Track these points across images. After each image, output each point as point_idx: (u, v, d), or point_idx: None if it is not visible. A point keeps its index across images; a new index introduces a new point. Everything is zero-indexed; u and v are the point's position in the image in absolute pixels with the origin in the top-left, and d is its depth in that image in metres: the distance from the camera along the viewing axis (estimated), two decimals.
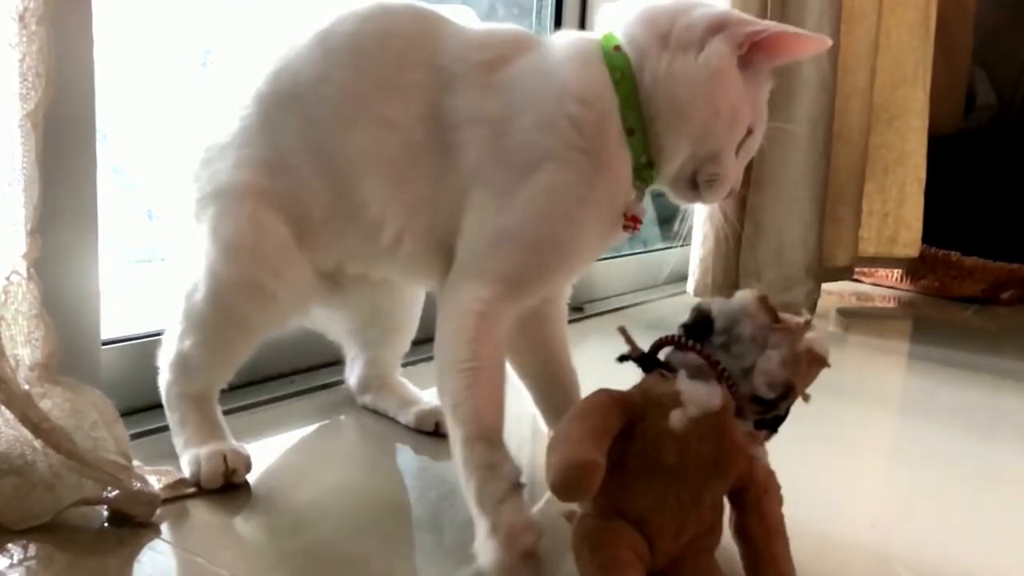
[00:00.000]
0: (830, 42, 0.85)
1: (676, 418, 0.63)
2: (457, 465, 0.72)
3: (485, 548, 0.68)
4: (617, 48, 0.79)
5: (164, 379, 0.87)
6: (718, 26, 0.77)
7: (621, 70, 0.78)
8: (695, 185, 0.81)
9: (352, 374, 1.06)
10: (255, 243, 0.81)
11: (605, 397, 0.67)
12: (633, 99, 0.78)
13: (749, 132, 0.81)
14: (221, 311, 0.83)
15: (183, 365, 0.85)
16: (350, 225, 0.82)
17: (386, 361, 1.04)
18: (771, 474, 0.70)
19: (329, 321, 1.03)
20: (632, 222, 0.80)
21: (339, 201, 0.82)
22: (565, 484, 0.60)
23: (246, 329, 0.85)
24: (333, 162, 0.81)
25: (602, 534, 0.64)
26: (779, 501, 0.70)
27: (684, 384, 0.65)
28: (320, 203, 0.82)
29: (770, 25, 0.79)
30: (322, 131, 0.81)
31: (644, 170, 0.80)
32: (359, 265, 0.89)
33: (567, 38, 0.82)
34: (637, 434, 0.65)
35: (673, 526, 0.64)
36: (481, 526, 0.69)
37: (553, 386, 0.94)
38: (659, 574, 0.66)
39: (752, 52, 0.78)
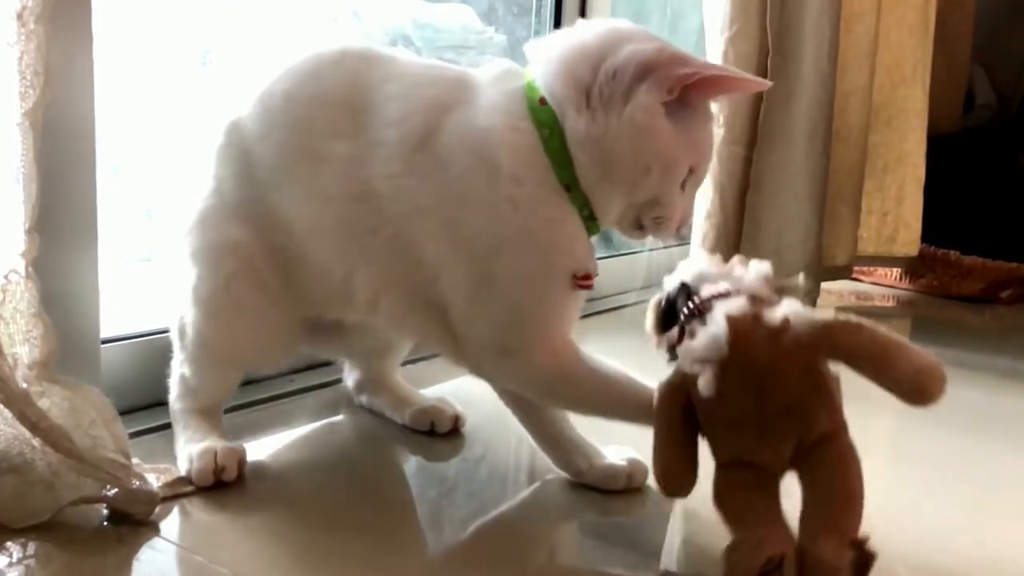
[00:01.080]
0: (769, 84, 0.85)
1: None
2: None
3: None
4: (543, 101, 0.76)
5: (171, 396, 0.89)
6: (645, 71, 0.73)
7: (549, 127, 0.75)
8: (641, 226, 0.81)
9: (350, 374, 1.06)
10: (229, 314, 0.84)
11: (657, 399, 0.74)
12: (564, 156, 0.75)
13: (691, 171, 0.78)
14: (207, 351, 0.86)
15: (184, 386, 0.88)
16: (325, 283, 0.83)
17: (385, 364, 1.04)
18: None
19: (326, 345, 1.03)
20: (585, 280, 0.79)
21: (306, 261, 0.82)
22: (666, 492, 0.74)
23: (234, 366, 0.90)
24: (287, 225, 0.82)
25: (724, 487, 0.71)
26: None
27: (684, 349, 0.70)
28: (292, 259, 0.83)
29: (702, 67, 0.75)
30: (270, 191, 0.82)
31: (589, 222, 0.79)
32: (347, 316, 0.90)
33: (493, 88, 0.78)
34: (696, 403, 0.70)
35: (772, 446, 0.68)
36: None
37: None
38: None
39: (686, 92, 0.74)
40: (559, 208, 0.77)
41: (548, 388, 0.81)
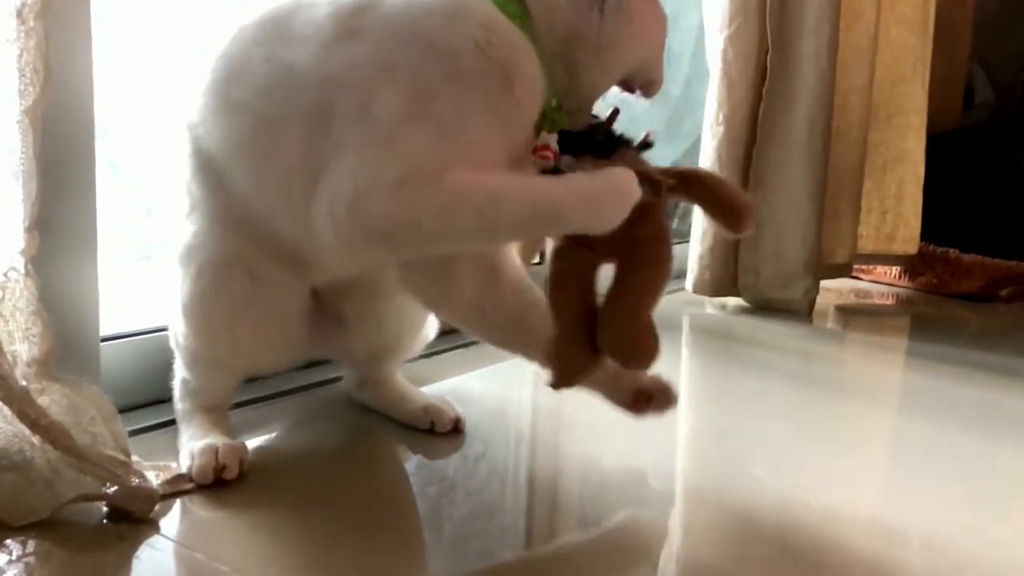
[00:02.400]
0: None
1: None
2: None
3: None
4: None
5: (174, 396, 0.90)
6: None
7: (520, 17, 0.75)
8: (631, 88, 0.84)
9: (350, 372, 1.06)
10: (215, 322, 0.84)
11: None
12: (537, 44, 0.76)
13: None
14: (199, 358, 0.87)
15: (185, 388, 0.89)
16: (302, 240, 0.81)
17: (385, 364, 1.04)
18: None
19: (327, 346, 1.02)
20: (544, 151, 0.77)
21: (279, 231, 0.81)
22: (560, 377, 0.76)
23: (230, 370, 0.90)
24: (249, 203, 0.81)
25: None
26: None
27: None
28: (273, 239, 0.82)
29: None
30: (230, 175, 0.82)
31: (555, 113, 0.78)
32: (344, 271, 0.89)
33: None
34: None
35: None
36: None
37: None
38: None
39: None
40: (531, 74, 0.75)
41: (440, 215, 0.71)
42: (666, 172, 0.77)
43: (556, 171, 0.74)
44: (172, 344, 0.89)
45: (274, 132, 0.77)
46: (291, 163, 0.75)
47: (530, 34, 0.76)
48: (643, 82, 0.84)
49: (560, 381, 0.75)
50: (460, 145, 0.72)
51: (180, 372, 0.89)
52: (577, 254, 0.75)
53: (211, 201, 0.83)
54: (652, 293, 0.76)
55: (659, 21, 0.81)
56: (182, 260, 0.84)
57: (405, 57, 0.72)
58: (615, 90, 0.84)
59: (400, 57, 0.72)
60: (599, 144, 0.77)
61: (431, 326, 1.04)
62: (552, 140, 0.77)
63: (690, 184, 0.78)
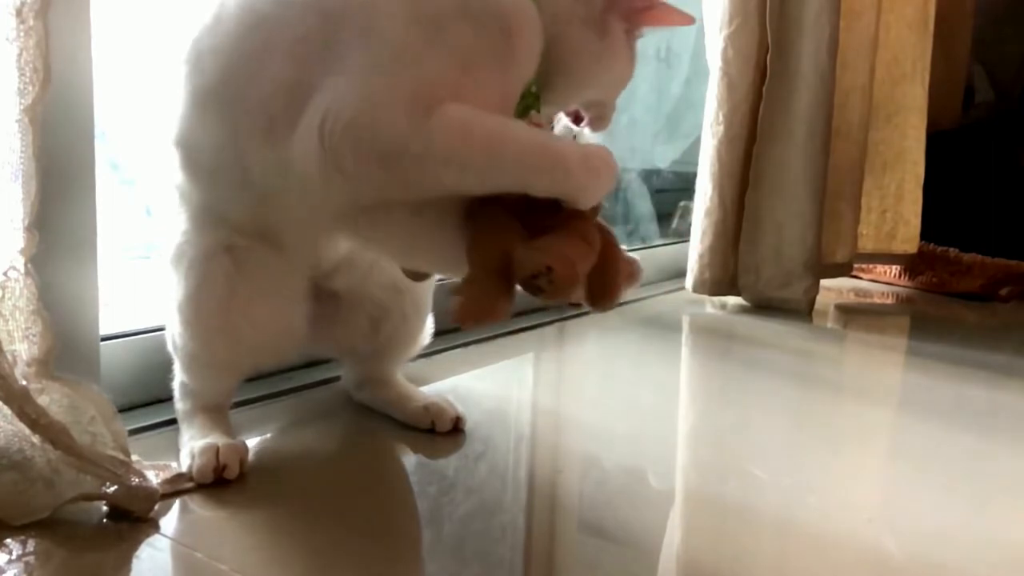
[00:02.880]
0: (692, 20, 0.90)
1: None
2: None
3: None
4: None
5: (175, 396, 0.90)
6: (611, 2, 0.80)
7: None
8: (579, 119, 0.88)
9: (349, 371, 1.06)
10: (209, 322, 0.83)
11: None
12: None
13: None
14: (197, 358, 0.87)
15: (184, 389, 0.89)
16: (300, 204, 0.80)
17: (385, 363, 1.04)
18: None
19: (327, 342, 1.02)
20: (538, 123, 0.80)
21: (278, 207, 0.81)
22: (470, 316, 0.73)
23: (227, 369, 0.89)
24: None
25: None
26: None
27: None
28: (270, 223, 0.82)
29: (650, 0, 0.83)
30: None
31: (531, 97, 0.79)
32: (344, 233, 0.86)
33: None
34: None
35: None
36: None
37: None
38: None
39: (632, 19, 0.82)
40: (532, 42, 0.76)
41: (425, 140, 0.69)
42: None
43: (538, 202, 0.73)
44: (170, 348, 0.89)
45: (253, 66, 0.75)
46: (274, 91, 0.74)
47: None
48: (596, 115, 0.88)
49: (468, 315, 0.73)
50: (467, 79, 0.71)
51: (179, 375, 0.89)
52: (504, 214, 0.74)
53: (194, 194, 0.83)
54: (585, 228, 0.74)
55: (632, 68, 0.85)
56: (172, 261, 0.84)
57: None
58: (562, 115, 0.88)
59: None
60: None
61: (429, 327, 1.04)
62: (537, 118, 0.80)
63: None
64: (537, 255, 0.68)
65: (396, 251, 0.82)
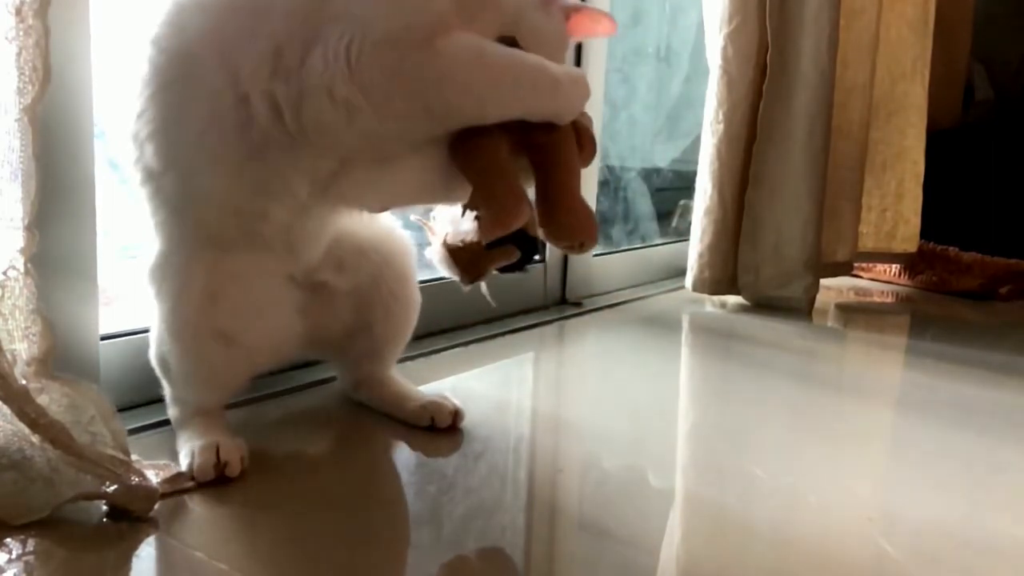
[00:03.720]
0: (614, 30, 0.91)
1: None
2: None
3: None
4: None
5: (167, 403, 0.89)
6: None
7: None
8: None
9: (344, 372, 1.06)
10: (199, 328, 0.83)
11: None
12: None
13: None
14: (190, 375, 0.86)
15: (175, 398, 0.88)
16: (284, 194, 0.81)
17: (378, 363, 1.03)
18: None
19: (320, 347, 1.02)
20: None
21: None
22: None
23: (226, 379, 0.88)
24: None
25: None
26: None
27: None
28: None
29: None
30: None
31: None
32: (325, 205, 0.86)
33: None
34: None
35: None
36: None
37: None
38: None
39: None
40: None
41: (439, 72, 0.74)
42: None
43: None
44: (155, 364, 0.87)
45: (253, 16, 0.76)
46: (284, 21, 0.74)
47: None
48: None
49: (495, 224, 0.77)
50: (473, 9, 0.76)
51: (171, 388, 0.88)
52: (492, 133, 0.77)
53: (173, 202, 0.82)
54: (575, 172, 0.80)
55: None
56: (154, 278, 0.83)
57: None
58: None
59: None
60: None
61: (415, 314, 1.04)
62: None
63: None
64: (567, 231, 0.78)
65: (390, 193, 0.85)
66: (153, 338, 0.86)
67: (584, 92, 0.79)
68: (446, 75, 0.73)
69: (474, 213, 0.78)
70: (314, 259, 0.92)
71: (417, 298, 1.03)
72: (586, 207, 0.80)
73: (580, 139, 0.81)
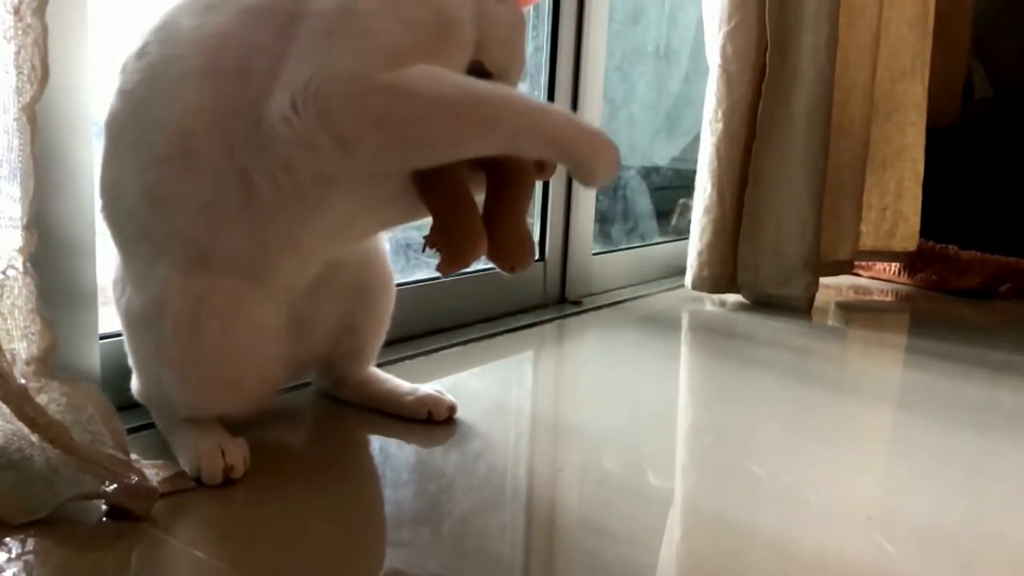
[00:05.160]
0: None
1: None
2: None
3: None
4: None
5: (155, 415, 0.87)
6: None
7: None
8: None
9: (323, 376, 1.04)
10: (205, 361, 0.80)
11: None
12: None
13: None
14: (191, 406, 0.84)
15: (163, 404, 0.86)
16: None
17: (359, 361, 1.02)
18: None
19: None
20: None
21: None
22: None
23: (224, 411, 0.85)
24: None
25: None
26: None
27: None
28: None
29: None
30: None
31: None
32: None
33: None
34: None
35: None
36: None
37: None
38: None
39: None
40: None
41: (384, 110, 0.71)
42: None
43: None
44: (137, 396, 0.86)
45: (221, 39, 0.75)
46: (249, 54, 0.74)
47: None
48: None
49: (452, 261, 0.79)
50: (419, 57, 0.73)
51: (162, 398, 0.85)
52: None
53: (170, 254, 0.78)
54: (524, 195, 0.83)
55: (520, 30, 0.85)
56: (150, 317, 0.80)
57: None
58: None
59: None
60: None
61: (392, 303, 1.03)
62: None
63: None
64: (500, 253, 0.80)
65: (378, 221, 0.88)
66: (141, 371, 0.85)
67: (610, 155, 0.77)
68: (419, 103, 0.71)
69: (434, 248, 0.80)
70: (301, 285, 0.90)
71: (392, 281, 1.01)
72: (525, 232, 0.82)
73: None
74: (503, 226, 0.81)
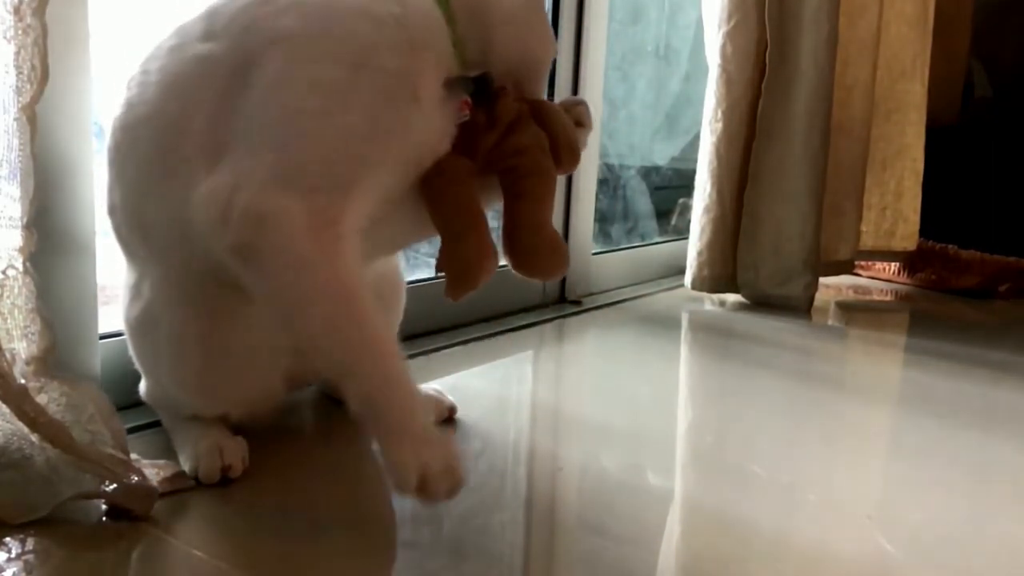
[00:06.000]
0: None
1: None
2: None
3: None
4: None
5: (161, 415, 0.88)
6: None
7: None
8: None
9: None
10: (208, 369, 0.81)
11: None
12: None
13: None
14: (195, 407, 0.84)
15: (167, 403, 0.87)
16: None
17: None
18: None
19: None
20: (463, 105, 0.76)
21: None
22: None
23: (227, 412, 0.86)
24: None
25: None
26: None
27: None
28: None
29: None
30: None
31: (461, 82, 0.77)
32: None
33: None
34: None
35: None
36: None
37: None
38: None
39: None
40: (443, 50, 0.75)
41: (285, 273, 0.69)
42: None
43: (470, 123, 0.76)
44: (144, 396, 0.86)
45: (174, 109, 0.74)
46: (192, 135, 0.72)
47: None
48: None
49: (459, 286, 0.75)
50: (376, 135, 0.70)
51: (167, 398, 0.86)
52: (457, 163, 0.76)
53: (153, 253, 0.80)
54: (544, 201, 0.78)
55: (547, 39, 0.82)
56: (144, 327, 0.82)
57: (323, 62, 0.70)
58: None
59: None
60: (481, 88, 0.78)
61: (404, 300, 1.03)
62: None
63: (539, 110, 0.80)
64: (526, 266, 0.77)
65: (390, 241, 0.87)
66: (145, 377, 0.86)
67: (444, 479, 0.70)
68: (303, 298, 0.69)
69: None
70: None
71: (403, 292, 1.01)
72: (553, 239, 0.77)
73: (557, 150, 0.79)
74: (529, 234, 0.76)
